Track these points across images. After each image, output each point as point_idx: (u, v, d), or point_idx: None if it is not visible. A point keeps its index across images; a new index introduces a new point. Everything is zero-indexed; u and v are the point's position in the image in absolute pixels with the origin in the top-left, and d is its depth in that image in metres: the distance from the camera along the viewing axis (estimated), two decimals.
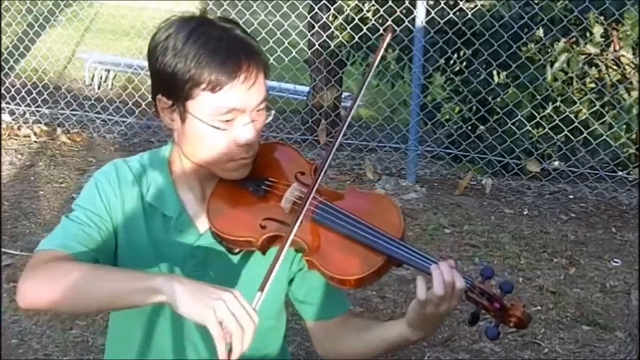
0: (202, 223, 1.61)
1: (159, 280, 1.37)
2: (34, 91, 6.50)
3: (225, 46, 1.49)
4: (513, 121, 5.18)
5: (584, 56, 5.18)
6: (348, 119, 1.59)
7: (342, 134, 1.56)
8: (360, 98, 1.66)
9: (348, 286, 1.51)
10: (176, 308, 1.35)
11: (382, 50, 1.62)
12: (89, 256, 1.54)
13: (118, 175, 1.63)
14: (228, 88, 1.48)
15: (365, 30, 5.66)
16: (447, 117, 6.02)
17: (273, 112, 1.61)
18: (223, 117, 1.50)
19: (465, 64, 5.71)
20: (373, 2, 5.77)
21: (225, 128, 1.51)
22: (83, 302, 1.47)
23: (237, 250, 1.60)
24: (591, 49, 5.15)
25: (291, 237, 1.48)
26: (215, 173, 1.58)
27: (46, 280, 1.46)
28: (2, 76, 6.72)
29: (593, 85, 5.43)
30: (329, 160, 1.54)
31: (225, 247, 1.59)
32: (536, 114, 5.30)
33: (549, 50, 5.33)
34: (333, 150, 1.55)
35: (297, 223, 1.49)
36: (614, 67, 5.32)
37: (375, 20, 5.70)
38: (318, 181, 1.53)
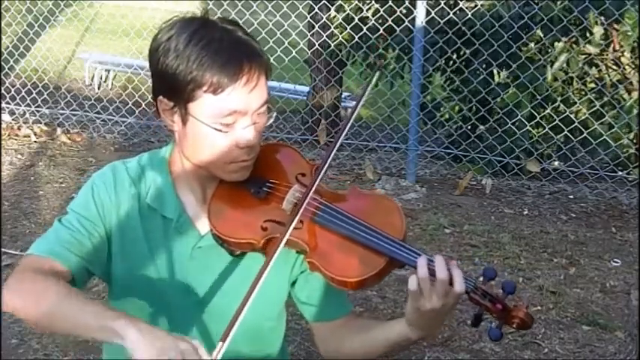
0: (203, 225, 1.61)
1: (119, 323, 1.35)
2: (34, 91, 6.50)
3: (227, 47, 1.49)
4: (513, 121, 5.18)
5: (584, 56, 5.18)
6: (348, 124, 1.59)
7: (341, 139, 1.56)
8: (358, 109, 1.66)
9: (349, 288, 1.51)
10: (132, 355, 1.32)
11: (374, 79, 1.63)
12: (78, 264, 1.55)
13: (114, 178, 1.63)
14: (229, 90, 1.48)
15: (365, 30, 5.66)
16: (447, 117, 6.02)
17: (274, 113, 1.61)
18: (225, 119, 1.49)
19: (464, 64, 5.71)
20: (373, 2, 5.77)
21: (227, 130, 1.50)
22: (54, 326, 1.48)
23: (238, 252, 1.60)
24: (591, 49, 5.15)
25: (286, 238, 1.48)
26: (216, 175, 1.58)
27: (25, 297, 1.47)
28: (2, 76, 6.72)
29: (593, 85, 5.44)
30: (327, 163, 1.54)
31: (226, 249, 1.59)
32: (536, 114, 5.31)
33: (549, 50, 5.33)
34: (332, 155, 1.55)
35: (292, 226, 1.48)
36: (614, 67, 5.33)
37: (375, 20, 5.70)
38: (316, 184, 1.53)
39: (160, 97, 1.54)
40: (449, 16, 5.30)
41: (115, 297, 1.66)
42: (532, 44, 5.41)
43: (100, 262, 1.60)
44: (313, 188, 1.52)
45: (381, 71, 1.52)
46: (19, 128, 6.19)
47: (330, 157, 1.55)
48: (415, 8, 5.13)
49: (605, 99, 5.12)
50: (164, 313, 1.62)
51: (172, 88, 1.50)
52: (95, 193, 1.62)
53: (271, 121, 1.60)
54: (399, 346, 1.58)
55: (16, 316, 1.51)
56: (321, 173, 1.54)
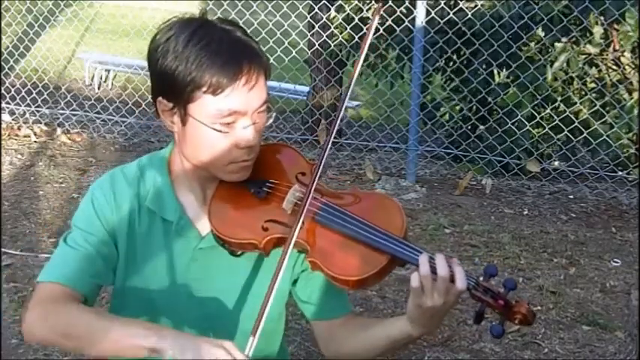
0: (203, 226, 1.61)
1: (153, 339, 1.38)
2: (34, 91, 6.50)
3: (226, 48, 1.48)
4: (513, 121, 5.18)
5: (584, 56, 5.18)
6: (346, 101, 1.59)
7: (337, 123, 1.56)
8: (357, 76, 1.65)
9: (351, 287, 1.51)
10: None
11: (375, 23, 1.61)
12: (89, 284, 1.57)
13: (113, 186, 1.62)
14: (229, 90, 1.48)
15: (365, 30, 5.65)
16: (447, 117, 6.02)
17: (274, 114, 1.61)
18: (224, 120, 1.49)
19: (464, 64, 5.71)
20: (373, 2, 5.77)
21: (227, 131, 1.50)
22: (86, 351, 1.51)
23: (239, 253, 1.60)
24: (591, 49, 5.15)
25: (293, 242, 1.48)
26: (216, 175, 1.58)
27: (52, 328, 1.49)
28: (2, 76, 6.72)
29: (593, 85, 5.44)
30: (324, 157, 1.54)
31: (227, 250, 1.59)
32: (536, 114, 5.31)
33: (549, 50, 5.33)
34: (328, 146, 1.54)
35: (298, 228, 1.49)
36: (614, 67, 5.33)
37: None
38: (316, 181, 1.53)
39: (160, 98, 1.54)
40: (449, 16, 5.30)
41: (118, 299, 1.66)
42: (532, 44, 5.41)
43: (110, 273, 1.62)
44: (313, 186, 1.52)
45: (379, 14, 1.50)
46: (19, 128, 6.20)
47: (327, 150, 1.54)
48: (415, 8, 5.13)
49: (606, 99, 5.12)
50: (167, 315, 1.62)
51: (172, 89, 1.50)
52: (96, 204, 1.61)
53: (271, 121, 1.60)
54: (400, 344, 1.58)
55: (28, 338, 1.53)
56: (319, 169, 1.53)
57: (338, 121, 1.57)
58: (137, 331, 1.41)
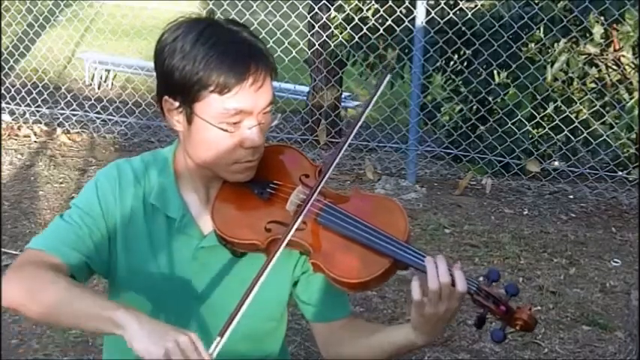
0: (206, 225, 1.61)
1: (118, 313, 1.36)
2: (34, 91, 6.50)
3: (233, 48, 1.49)
4: (513, 121, 5.19)
5: (584, 56, 5.19)
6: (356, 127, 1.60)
7: (347, 143, 1.56)
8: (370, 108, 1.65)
9: (353, 289, 1.51)
10: (130, 344, 1.34)
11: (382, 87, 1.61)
12: (77, 260, 1.55)
13: (119, 176, 1.63)
14: (236, 90, 1.48)
15: (365, 30, 5.66)
16: (447, 117, 6.02)
17: (278, 114, 1.61)
18: (230, 119, 1.49)
19: (465, 64, 5.72)
20: (373, 2, 5.78)
21: (232, 131, 1.50)
22: (53, 318, 1.50)
23: (241, 253, 1.60)
24: (591, 49, 5.16)
25: (287, 239, 1.48)
26: (220, 175, 1.58)
27: (26, 293, 1.48)
28: (2, 76, 6.72)
29: (593, 85, 5.44)
30: (333, 166, 1.54)
31: (229, 250, 1.59)
32: (536, 114, 5.31)
33: (549, 50, 5.33)
34: (338, 157, 1.55)
35: (294, 227, 1.48)
36: (614, 67, 5.33)
37: (375, 20, 5.70)
38: (320, 186, 1.53)
39: (165, 97, 1.54)
40: (449, 16, 5.31)
41: (115, 295, 1.66)
42: (532, 44, 5.42)
43: (100, 260, 1.60)
44: (317, 190, 1.52)
45: (391, 72, 1.53)
46: (19, 128, 6.20)
47: (337, 160, 1.55)
48: (415, 8, 5.13)
49: (606, 99, 5.13)
50: (164, 312, 1.62)
51: (178, 88, 1.50)
52: (100, 190, 1.61)
53: (275, 122, 1.60)
54: (403, 351, 1.57)
55: (17, 312, 1.52)
56: (326, 176, 1.54)
57: (350, 137, 1.57)
58: (106, 303, 1.41)
